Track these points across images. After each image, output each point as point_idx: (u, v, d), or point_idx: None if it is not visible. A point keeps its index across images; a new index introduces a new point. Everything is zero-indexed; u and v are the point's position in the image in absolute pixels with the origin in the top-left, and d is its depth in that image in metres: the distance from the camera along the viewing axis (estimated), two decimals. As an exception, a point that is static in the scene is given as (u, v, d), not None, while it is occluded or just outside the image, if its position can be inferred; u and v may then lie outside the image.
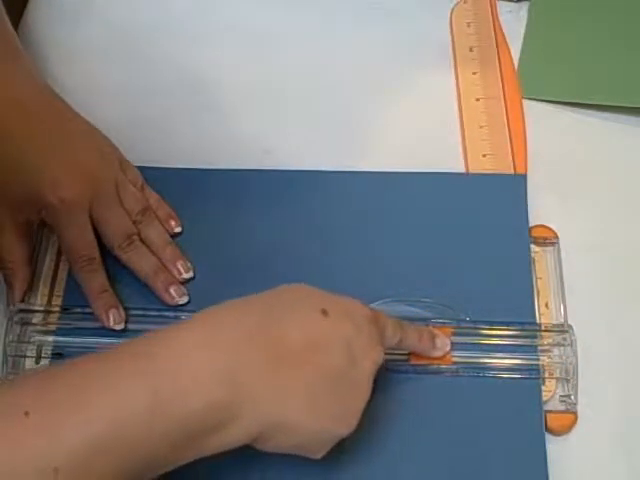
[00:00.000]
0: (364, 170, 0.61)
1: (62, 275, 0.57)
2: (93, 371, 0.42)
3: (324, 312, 0.46)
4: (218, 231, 0.59)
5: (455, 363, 0.53)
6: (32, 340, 0.55)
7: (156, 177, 0.60)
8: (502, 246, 0.57)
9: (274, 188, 0.60)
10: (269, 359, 0.44)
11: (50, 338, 0.55)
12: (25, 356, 0.55)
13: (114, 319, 0.54)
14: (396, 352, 0.53)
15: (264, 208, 0.59)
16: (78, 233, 0.55)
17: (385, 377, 0.53)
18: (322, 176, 0.61)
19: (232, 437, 0.43)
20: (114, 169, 0.57)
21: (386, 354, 0.49)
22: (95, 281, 0.55)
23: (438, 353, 0.53)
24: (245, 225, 0.59)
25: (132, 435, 0.40)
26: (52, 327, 0.55)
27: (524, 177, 0.60)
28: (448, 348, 0.53)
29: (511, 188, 0.60)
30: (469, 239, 0.58)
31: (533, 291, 0.56)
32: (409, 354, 0.53)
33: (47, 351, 0.55)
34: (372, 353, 0.47)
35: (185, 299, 0.55)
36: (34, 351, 0.55)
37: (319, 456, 0.47)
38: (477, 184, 0.60)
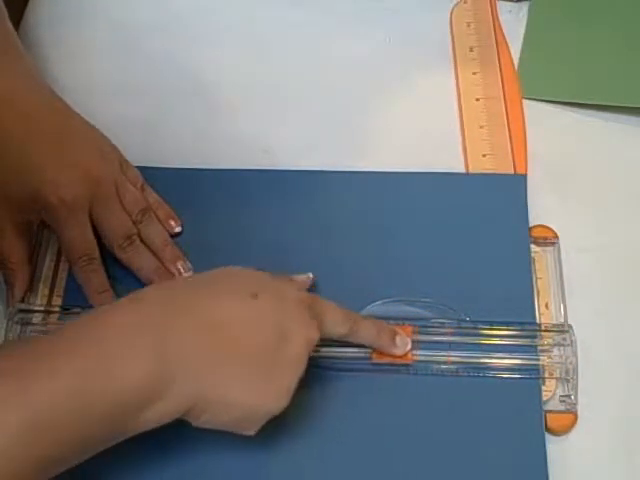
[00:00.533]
0: (364, 170, 0.61)
1: (62, 275, 0.57)
2: (30, 354, 0.43)
3: (253, 295, 0.47)
4: (218, 231, 0.59)
5: (454, 363, 0.54)
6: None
7: (156, 177, 0.60)
8: (502, 246, 0.57)
9: (274, 188, 0.60)
10: (198, 334, 0.45)
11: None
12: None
13: None
14: (359, 350, 0.53)
15: (264, 208, 0.59)
16: (78, 233, 0.55)
17: (384, 377, 0.53)
18: (322, 176, 0.61)
19: (167, 409, 0.44)
20: (114, 169, 0.57)
21: (347, 352, 0.52)
22: (95, 281, 0.55)
23: (398, 351, 0.53)
24: (245, 225, 0.59)
25: (68, 416, 0.41)
26: (52, 327, 0.55)
27: (524, 177, 0.60)
28: (408, 347, 0.53)
29: (511, 188, 0.60)
30: (469, 239, 0.58)
31: (533, 291, 0.56)
32: (372, 352, 0.53)
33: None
34: (303, 333, 0.47)
35: None
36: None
37: (251, 433, 0.48)
38: (477, 184, 0.60)
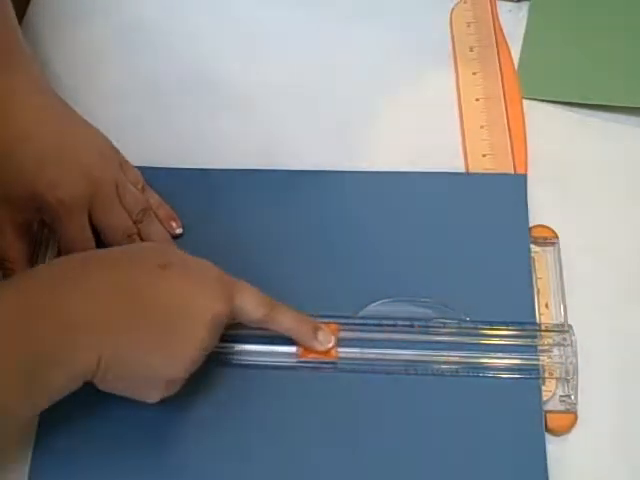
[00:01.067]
0: (364, 170, 0.61)
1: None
2: None
3: (162, 266, 0.49)
4: (217, 231, 0.59)
5: (454, 363, 0.54)
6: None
7: (156, 177, 0.60)
8: (502, 246, 0.57)
9: (274, 188, 0.60)
10: (103, 297, 0.47)
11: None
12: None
13: None
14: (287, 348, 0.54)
15: (264, 208, 0.59)
16: (76, 233, 0.55)
17: (383, 378, 0.53)
18: (322, 176, 0.61)
19: (74, 371, 0.46)
20: (114, 170, 0.57)
21: (274, 349, 0.53)
22: None
23: (320, 346, 0.54)
24: (245, 225, 0.59)
25: None
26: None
27: (524, 177, 0.60)
28: (331, 345, 0.54)
29: (511, 188, 0.60)
30: (469, 239, 0.58)
31: (533, 291, 0.56)
32: (300, 351, 0.54)
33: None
34: (209, 306, 0.49)
35: None
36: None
37: (152, 400, 0.49)
38: (477, 184, 0.60)
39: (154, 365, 0.48)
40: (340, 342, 0.54)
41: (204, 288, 0.50)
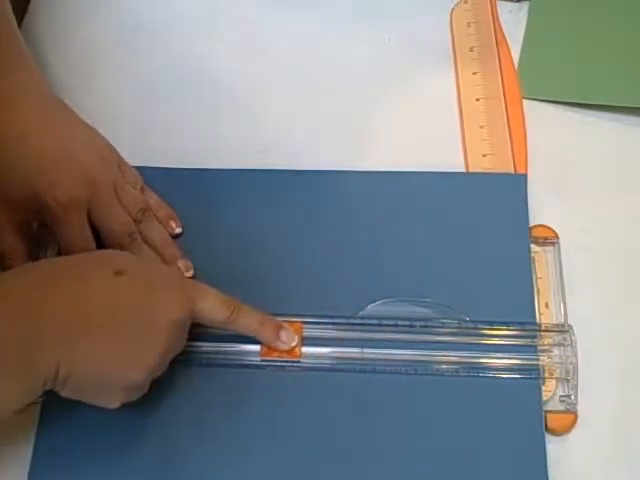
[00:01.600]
0: (363, 170, 0.61)
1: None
2: None
3: (119, 272, 0.49)
4: (217, 231, 0.59)
5: (454, 363, 0.54)
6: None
7: (155, 177, 0.60)
8: (502, 245, 0.57)
9: (272, 188, 0.60)
10: (63, 306, 0.47)
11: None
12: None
13: None
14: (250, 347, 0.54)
15: (263, 207, 0.59)
16: (75, 233, 0.55)
17: (382, 378, 0.53)
18: (321, 175, 0.61)
19: (32, 382, 0.46)
20: (113, 171, 0.57)
21: (237, 347, 0.53)
22: None
23: (283, 346, 0.54)
24: (244, 225, 0.59)
25: None
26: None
27: (524, 177, 0.60)
28: (294, 343, 0.54)
29: (511, 187, 0.59)
30: (469, 238, 0.58)
31: (533, 291, 0.56)
32: (263, 350, 0.54)
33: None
34: (167, 313, 0.49)
35: None
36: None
37: (113, 406, 0.49)
38: (477, 183, 0.60)
39: (112, 373, 0.48)
40: (305, 341, 0.54)
41: (162, 293, 0.50)
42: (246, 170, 0.61)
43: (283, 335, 0.54)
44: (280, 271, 0.57)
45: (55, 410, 0.52)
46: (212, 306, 0.51)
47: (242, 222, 0.59)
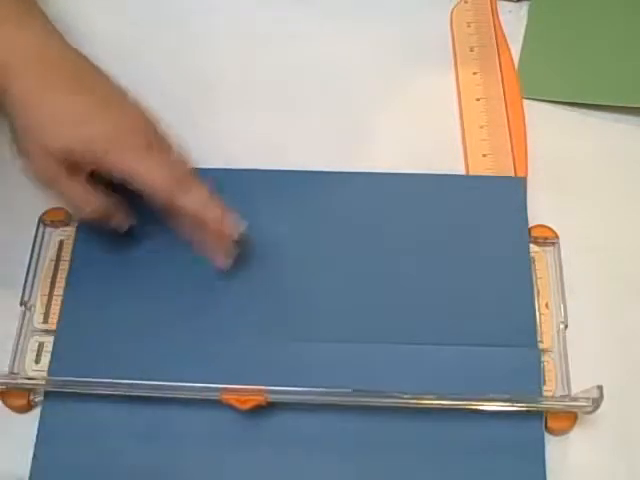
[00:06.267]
0: (363, 171, 0.61)
1: (62, 275, 0.57)
2: None
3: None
4: None
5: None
6: (32, 340, 0.55)
7: None
8: (502, 248, 0.57)
9: (274, 188, 0.60)
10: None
11: (50, 338, 0.55)
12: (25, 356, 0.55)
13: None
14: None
15: (261, 207, 0.59)
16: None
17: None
18: (318, 176, 0.61)
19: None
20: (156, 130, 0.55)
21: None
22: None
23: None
24: (249, 225, 0.59)
25: None
26: (52, 327, 0.55)
27: (524, 179, 0.60)
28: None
29: (511, 190, 0.59)
30: (468, 241, 0.58)
31: (533, 293, 0.56)
32: (221, 393, 0.51)
33: (47, 350, 0.55)
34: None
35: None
36: (34, 351, 0.55)
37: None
38: (476, 186, 0.60)
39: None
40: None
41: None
42: (244, 170, 0.61)
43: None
44: (277, 272, 0.57)
45: (53, 411, 0.52)
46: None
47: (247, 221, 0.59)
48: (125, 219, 0.55)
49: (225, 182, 0.60)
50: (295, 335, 0.55)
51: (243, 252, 0.57)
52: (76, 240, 0.58)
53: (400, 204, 0.59)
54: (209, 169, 0.61)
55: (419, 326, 0.55)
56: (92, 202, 0.53)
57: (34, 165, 0.52)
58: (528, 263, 0.57)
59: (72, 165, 0.52)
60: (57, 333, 0.55)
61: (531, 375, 0.53)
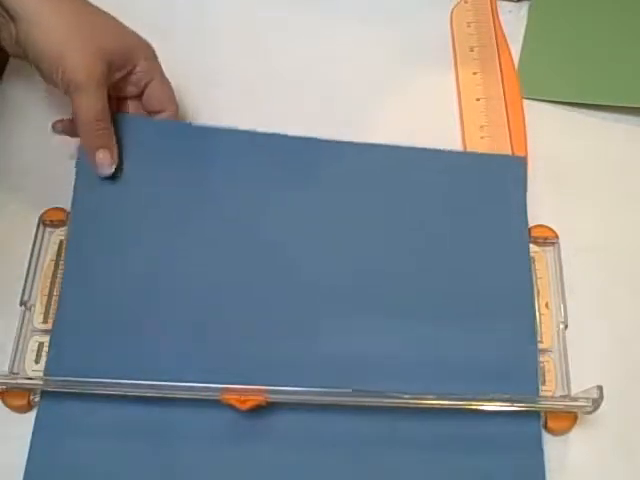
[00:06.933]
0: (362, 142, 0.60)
1: (62, 275, 0.57)
2: None
3: None
4: (202, 190, 0.58)
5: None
6: (32, 340, 0.55)
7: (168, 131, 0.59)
8: (500, 229, 0.57)
9: (268, 154, 0.59)
10: None
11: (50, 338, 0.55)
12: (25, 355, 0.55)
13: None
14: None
15: (249, 169, 0.59)
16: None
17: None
18: (316, 145, 0.60)
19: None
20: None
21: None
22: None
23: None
24: (232, 186, 0.58)
25: None
26: (52, 327, 0.55)
27: (524, 158, 0.60)
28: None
29: (510, 170, 0.59)
30: (465, 219, 0.57)
31: (532, 278, 0.55)
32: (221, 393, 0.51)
33: (47, 350, 0.55)
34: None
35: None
36: (34, 351, 0.55)
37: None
38: (477, 162, 0.60)
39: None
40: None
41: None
42: (242, 131, 0.60)
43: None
44: (266, 235, 0.57)
45: (52, 412, 0.52)
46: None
47: (230, 184, 0.58)
48: (115, 155, 0.56)
49: (220, 142, 0.59)
50: (291, 312, 0.54)
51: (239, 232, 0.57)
52: (69, 239, 0.57)
53: (395, 179, 0.59)
54: (207, 127, 0.60)
55: (416, 325, 0.54)
56: (106, 119, 0.55)
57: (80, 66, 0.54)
58: (527, 249, 0.56)
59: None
60: (53, 332, 0.54)
61: (529, 374, 0.53)
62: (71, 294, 0.55)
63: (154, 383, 0.50)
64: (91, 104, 0.54)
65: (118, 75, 0.56)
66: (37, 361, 0.54)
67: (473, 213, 0.57)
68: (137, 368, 0.52)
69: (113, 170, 0.56)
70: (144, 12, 0.70)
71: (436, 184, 0.58)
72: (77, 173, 0.57)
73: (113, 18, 0.57)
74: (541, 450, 0.51)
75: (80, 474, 0.51)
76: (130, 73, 0.57)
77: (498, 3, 0.69)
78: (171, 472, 0.51)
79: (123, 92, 0.58)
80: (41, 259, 0.58)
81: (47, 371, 0.53)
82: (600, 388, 0.50)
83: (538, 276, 0.57)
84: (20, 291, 0.56)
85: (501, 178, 0.59)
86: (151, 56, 0.58)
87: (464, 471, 0.51)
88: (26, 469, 0.51)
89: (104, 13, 0.56)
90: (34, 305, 0.56)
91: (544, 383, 0.53)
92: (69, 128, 0.58)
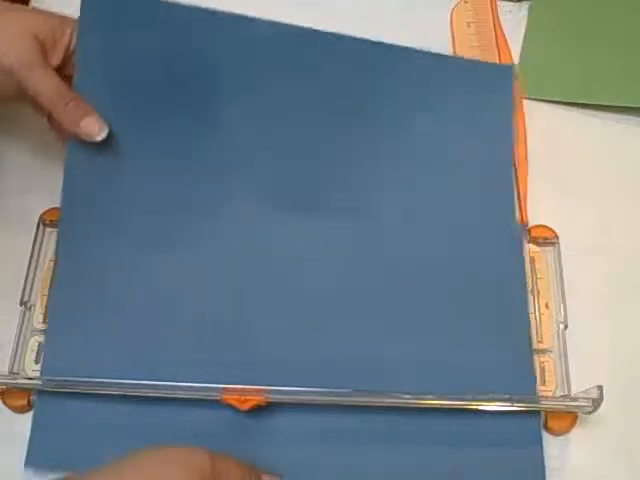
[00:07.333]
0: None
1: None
2: None
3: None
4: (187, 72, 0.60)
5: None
6: (32, 340, 0.55)
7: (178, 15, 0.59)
8: (486, 138, 0.58)
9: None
10: None
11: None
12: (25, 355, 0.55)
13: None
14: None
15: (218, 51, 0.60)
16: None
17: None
18: (301, 34, 0.61)
19: None
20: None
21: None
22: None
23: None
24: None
25: None
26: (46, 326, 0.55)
27: (513, 65, 0.61)
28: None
29: (497, 77, 0.60)
30: (450, 125, 0.58)
31: (512, 187, 0.57)
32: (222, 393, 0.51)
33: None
34: None
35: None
36: (34, 351, 0.55)
37: None
38: (462, 69, 0.60)
39: None
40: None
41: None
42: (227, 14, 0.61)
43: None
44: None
45: (49, 414, 0.52)
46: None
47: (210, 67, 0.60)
48: (98, 117, 0.55)
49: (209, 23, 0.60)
50: (291, 312, 0.54)
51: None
52: (59, 239, 0.57)
53: (382, 77, 0.59)
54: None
55: (413, 323, 0.54)
56: (67, 92, 0.54)
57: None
58: (511, 162, 0.57)
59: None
60: (47, 331, 0.54)
61: (526, 373, 0.53)
62: (64, 292, 0.55)
63: (154, 383, 0.50)
64: (42, 84, 0.53)
65: (57, 54, 0.55)
66: (37, 361, 0.54)
67: (461, 122, 0.58)
68: (137, 368, 0.52)
69: (106, 132, 0.55)
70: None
71: (421, 90, 0.59)
72: (65, 169, 0.57)
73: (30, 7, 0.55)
74: (541, 450, 0.51)
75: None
76: (68, 50, 0.55)
77: (498, 3, 0.69)
78: None
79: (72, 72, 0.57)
80: (41, 259, 0.58)
81: (42, 371, 0.53)
82: (600, 388, 0.50)
83: (538, 276, 0.57)
84: (20, 291, 0.56)
85: (488, 84, 0.59)
86: None
87: (464, 471, 0.51)
88: (25, 468, 0.51)
89: (20, 5, 0.55)
90: (34, 305, 0.56)
91: (544, 383, 0.53)
92: (53, 122, 0.58)
